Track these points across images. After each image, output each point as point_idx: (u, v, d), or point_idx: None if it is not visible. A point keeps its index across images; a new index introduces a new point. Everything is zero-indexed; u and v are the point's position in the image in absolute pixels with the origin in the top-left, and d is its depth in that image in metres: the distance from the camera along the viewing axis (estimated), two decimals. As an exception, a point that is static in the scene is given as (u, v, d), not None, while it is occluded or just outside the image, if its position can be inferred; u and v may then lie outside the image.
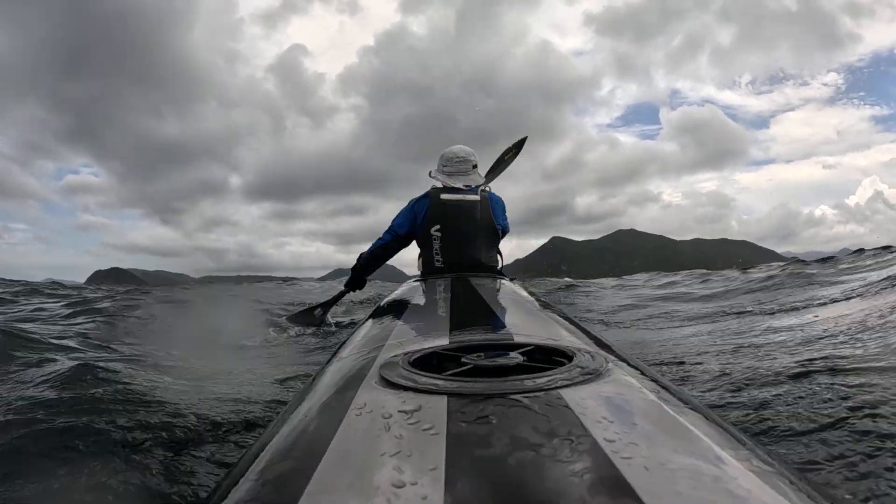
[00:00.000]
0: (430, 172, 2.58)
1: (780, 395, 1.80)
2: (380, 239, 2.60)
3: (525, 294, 1.74)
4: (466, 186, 2.45)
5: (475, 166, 2.56)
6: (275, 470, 0.53)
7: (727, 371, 2.21)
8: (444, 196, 2.41)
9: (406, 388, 0.65)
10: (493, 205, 2.47)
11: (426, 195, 2.47)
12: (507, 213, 2.63)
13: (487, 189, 2.56)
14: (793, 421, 1.52)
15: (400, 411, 0.58)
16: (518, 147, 3.15)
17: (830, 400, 1.65)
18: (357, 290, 2.92)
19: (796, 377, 1.96)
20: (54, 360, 2.40)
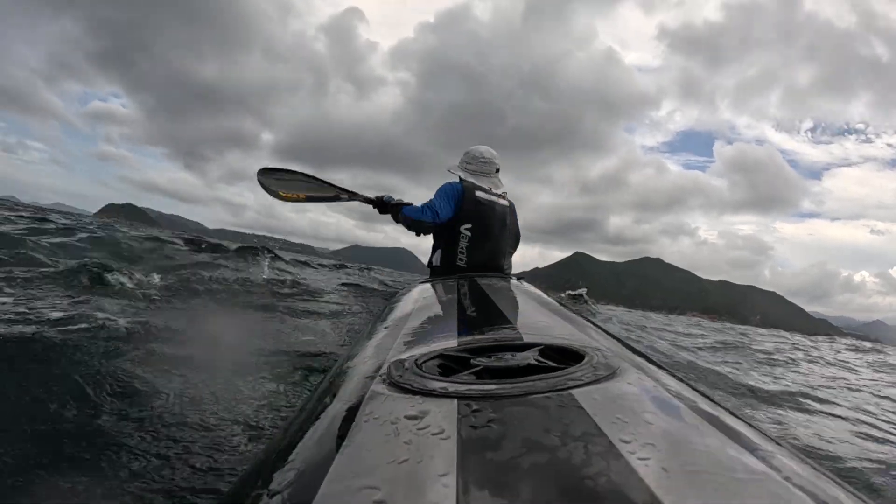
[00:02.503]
0: (450, 169, 2.50)
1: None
2: (422, 213, 2.37)
3: (534, 293, 1.73)
4: (494, 189, 2.41)
5: (498, 170, 2.51)
6: (284, 478, 0.52)
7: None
8: (479, 194, 2.34)
9: (414, 392, 0.63)
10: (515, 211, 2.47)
11: (459, 187, 2.35)
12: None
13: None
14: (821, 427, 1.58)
15: (408, 416, 0.57)
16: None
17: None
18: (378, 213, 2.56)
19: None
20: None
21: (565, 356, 0.77)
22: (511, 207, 2.46)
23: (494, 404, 0.57)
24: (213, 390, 2.05)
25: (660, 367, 0.80)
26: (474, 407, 0.56)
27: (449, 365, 0.78)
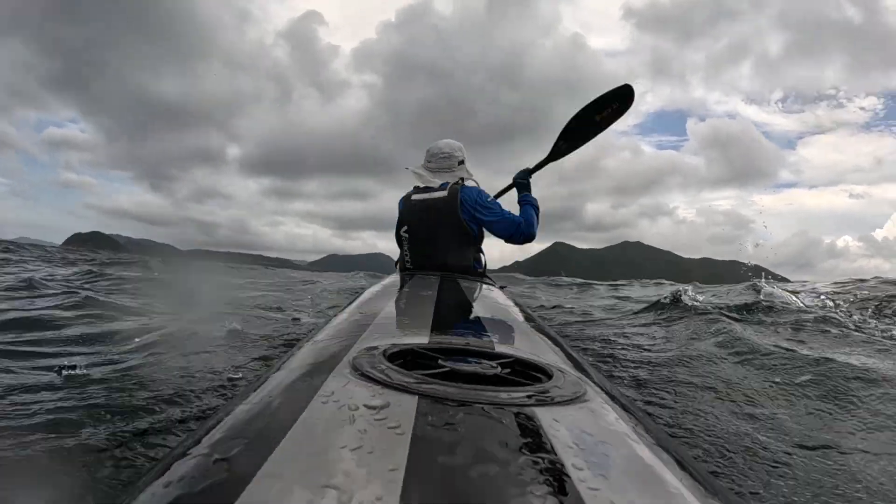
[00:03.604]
0: (407, 167, 2.52)
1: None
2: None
3: (513, 304, 1.74)
4: (443, 184, 2.40)
5: (461, 162, 2.49)
6: (228, 447, 0.51)
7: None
8: (414, 196, 2.41)
9: (378, 382, 0.64)
10: (465, 201, 2.33)
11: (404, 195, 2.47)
12: (493, 205, 2.38)
13: (465, 183, 2.41)
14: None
15: (367, 406, 0.57)
16: (623, 100, 2.57)
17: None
18: None
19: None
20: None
21: (532, 372, 0.77)
22: (450, 198, 2.32)
23: (455, 408, 0.57)
24: (169, 362, 2.06)
25: (620, 398, 0.81)
26: (434, 407, 0.57)
27: (416, 361, 0.78)
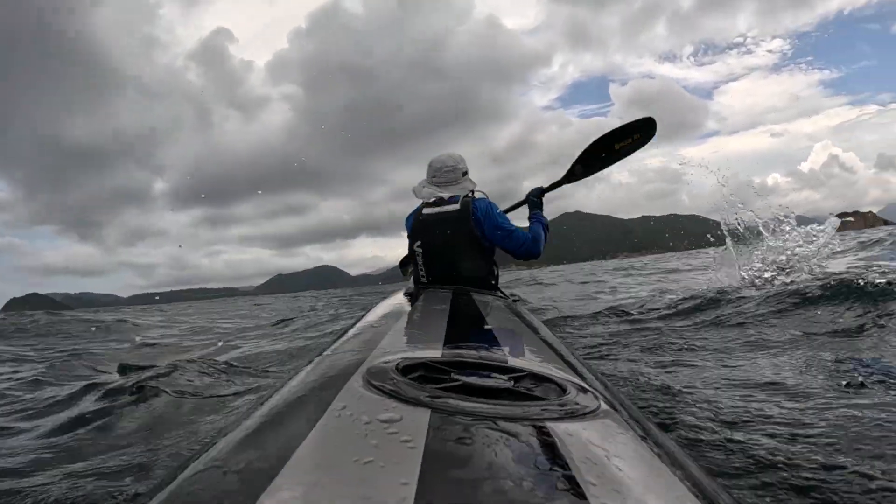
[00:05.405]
0: (414, 189, 2.56)
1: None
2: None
3: (526, 317, 1.74)
4: (452, 197, 2.43)
5: (465, 173, 2.53)
6: (239, 459, 0.52)
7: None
8: (425, 210, 2.43)
9: (390, 396, 0.63)
10: (477, 212, 2.38)
11: (415, 210, 2.49)
12: (503, 219, 2.45)
13: (476, 195, 2.48)
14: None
15: (380, 419, 0.57)
16: (645, 132, 2.74)
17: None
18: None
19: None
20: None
21: (546, 385, 0.76)
22: (463, 211, 2.36)
23: (467, 422, 0.56)
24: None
25: (634, 412, 0.80)
26: (447, 421, 0.56)
27: (429, 375, 0.77)
